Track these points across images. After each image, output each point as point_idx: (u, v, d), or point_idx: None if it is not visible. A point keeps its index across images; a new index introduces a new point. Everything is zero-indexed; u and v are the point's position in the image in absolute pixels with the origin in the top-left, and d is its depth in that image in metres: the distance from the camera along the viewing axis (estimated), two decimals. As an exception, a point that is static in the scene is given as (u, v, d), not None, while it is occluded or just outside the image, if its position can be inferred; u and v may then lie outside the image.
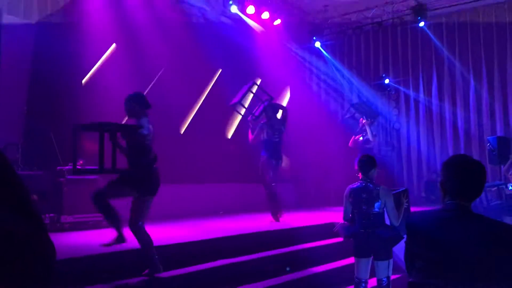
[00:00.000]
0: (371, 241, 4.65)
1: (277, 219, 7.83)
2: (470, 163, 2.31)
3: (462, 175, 2.27)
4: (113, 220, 4.80)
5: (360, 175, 4.82)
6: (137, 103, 5.03)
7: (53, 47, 7.70)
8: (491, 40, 11.79)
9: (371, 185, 4.71)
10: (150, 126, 4.93)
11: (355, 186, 4.80)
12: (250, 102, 9.05)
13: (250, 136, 8.23)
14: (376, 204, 4.64)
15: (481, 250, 2.10)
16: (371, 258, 4.75)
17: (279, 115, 8.47)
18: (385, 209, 4.70)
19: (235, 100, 8.41)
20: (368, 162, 4.80)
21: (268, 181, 7.96)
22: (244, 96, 8.45)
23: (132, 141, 4.84)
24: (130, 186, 4.78)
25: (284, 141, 8.38)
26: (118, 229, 4.79)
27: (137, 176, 4.80)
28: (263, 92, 8.58)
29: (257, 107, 8.52)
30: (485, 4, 11.57)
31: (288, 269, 5.88)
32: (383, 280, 4.68)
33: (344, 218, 4.97)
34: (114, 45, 8.92)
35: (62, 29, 8.07)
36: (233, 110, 8.99)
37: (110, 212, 4.78)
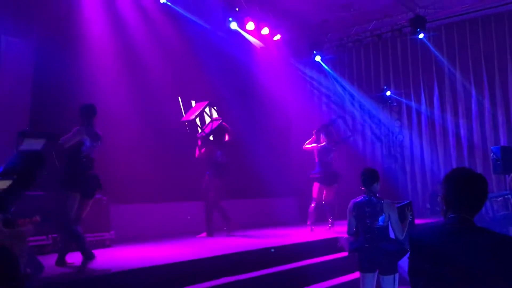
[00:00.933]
0: (375, 255, 4.60)
1: (214, 235, 8.16)
2: (472, 176, 2.28)
3: (464, 188, 2.25)
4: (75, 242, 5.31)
5: (363, 188, 4.79)
6: (80, 114, 5.67)
7: (54, 66, 7.74)
8: (491, 50, 11.80)
9: (374, 199, 4.68)
10: (84, 136, 5.51)
11: (358, 200, 4.77)
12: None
13: (197, 152, 8.57)
14: (380, 218, 4.60)
15: (485, 264, 2.08)
16: (376, 273, 4.69)
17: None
18: (389, 222, 4.66)
19: (188, 117, 8.77)
20: (370, 175, 4.77)
21: (210, 199, 8.25)
22: (198, 114, 8.84)
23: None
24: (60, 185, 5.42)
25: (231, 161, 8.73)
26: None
27: (62, 174, 5.49)
28: (212, 113, 8.92)
29: (206, 125, 8.75)
30: (484, 14, 11.61)
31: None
32: None
33: (348, 233, 4.93)
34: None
35: (62, 48, 8.11)
36: (185, 125, 9.10)
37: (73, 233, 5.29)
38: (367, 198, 4.70)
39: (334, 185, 8.96)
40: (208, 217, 8.38)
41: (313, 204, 8.95)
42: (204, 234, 8.36)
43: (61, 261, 5.54)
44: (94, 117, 5.82)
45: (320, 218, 9.23)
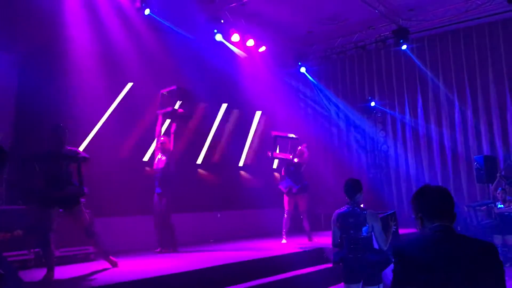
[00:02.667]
0: (360, 266, 4.60)
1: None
2: (441, 188, 2.45)
3: (441, 198, 2.40)
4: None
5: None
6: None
7: (38, 80, 7.69)
8: (473, 61, 11.98)
9: (358, 209, 4.69)
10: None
11: (342, 211, 4.77)
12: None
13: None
14: (364, 229, 4.61)
15: (468, 269, 2.15)
16: (361, 284, 4.69)
17: None
18: (373, 233, 4.66)
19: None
20: (354, 186, 4.78)
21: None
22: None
23: None
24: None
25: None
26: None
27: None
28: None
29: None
30: (465, 26, 11.80)
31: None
32: None
33: (333, 244, 4.92)
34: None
35: (47, 60, 8.06)
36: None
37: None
38: (350, 209, 4.71)
39: (304, 194, 9.03)
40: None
41: (285, 215, 9.14)
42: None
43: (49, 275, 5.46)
44: (57, 137, 5.95)
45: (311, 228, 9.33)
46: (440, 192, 2.41)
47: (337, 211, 4.82)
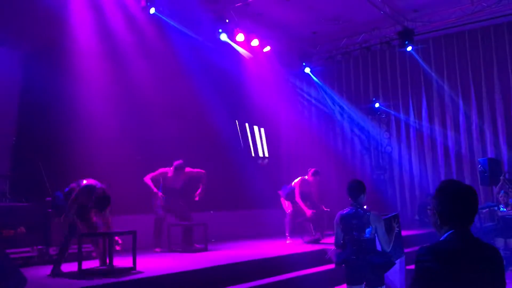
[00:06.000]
0: (362, 267, 4.58)
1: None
2: (467, 189, 2.27)
3: (464, 201, 2.24)
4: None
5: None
6: None
7: (42, 77, 7.70)
8: (478, 63, 11.93)
9: (361, 211, 4.66)
10: None
11: (345, 212, 4.75)
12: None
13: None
14: (367, 230, 4.59)
15: (488, 275, 2.14)
16: (363, 285, 4.67)
17: None
18: (376, 234, 4.64)
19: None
20: (357, 187, 4.76)
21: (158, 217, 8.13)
22: None
23: None
24: None
25: None
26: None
27: None
28: None
29: None
30: (471, 28, 11.76)
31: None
32: None
33: (336, 245, 4.91)
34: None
35: (51, 58, 8.08)
36: None
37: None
38: (353, 210, 4.68)
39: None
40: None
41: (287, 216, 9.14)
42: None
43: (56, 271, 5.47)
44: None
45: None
46: (464, 194, 2.24)
47: (340, 212, 4.80)
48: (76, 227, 5.68)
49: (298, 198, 8.87)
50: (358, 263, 4.59)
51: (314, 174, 9.12)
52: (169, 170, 8.21)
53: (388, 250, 4.61)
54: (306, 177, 9.12)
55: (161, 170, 8.24)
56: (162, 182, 8.16)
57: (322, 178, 9.57)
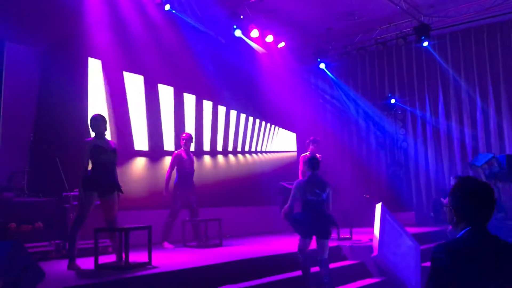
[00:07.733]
0: None
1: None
2: (484, 186, 2.26)
3: (481, 198, 2.23)
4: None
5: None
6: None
7: (59, 74, 7.78)
8: (497, 59, 11.77)
9: None
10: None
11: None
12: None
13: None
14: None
15: (505, 273, 2.12)
16: None
17: None
18: None
19: None
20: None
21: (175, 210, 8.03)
22: None
23: None
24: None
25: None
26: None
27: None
28: None
29: None
30: (489, 22, 11.59)
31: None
32: None
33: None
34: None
35: (68, 55, 8.15)
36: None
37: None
38: None
39: None
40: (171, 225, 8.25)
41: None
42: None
43: (72, 266, 5.52)
44: (99, 128, 5.87)
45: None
46: (490, 192, 2.23)
47: None
48: (83, 218, 5.67)
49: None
50: None
51: (313, 142, 8.84)
52: (182, 151, 8.17)
53: None
54: (308, 153, 8.80)
55: (174, 154, 8.22)
56: (178, 165, 8.07)
57: (321, 147, 9.10)
